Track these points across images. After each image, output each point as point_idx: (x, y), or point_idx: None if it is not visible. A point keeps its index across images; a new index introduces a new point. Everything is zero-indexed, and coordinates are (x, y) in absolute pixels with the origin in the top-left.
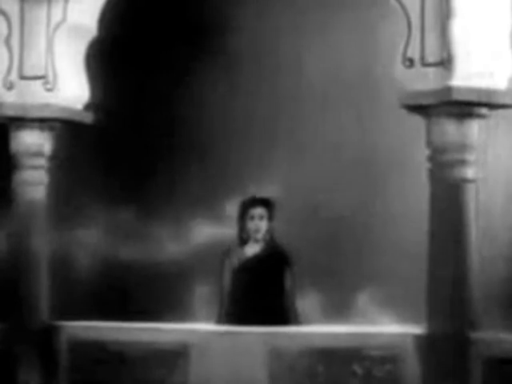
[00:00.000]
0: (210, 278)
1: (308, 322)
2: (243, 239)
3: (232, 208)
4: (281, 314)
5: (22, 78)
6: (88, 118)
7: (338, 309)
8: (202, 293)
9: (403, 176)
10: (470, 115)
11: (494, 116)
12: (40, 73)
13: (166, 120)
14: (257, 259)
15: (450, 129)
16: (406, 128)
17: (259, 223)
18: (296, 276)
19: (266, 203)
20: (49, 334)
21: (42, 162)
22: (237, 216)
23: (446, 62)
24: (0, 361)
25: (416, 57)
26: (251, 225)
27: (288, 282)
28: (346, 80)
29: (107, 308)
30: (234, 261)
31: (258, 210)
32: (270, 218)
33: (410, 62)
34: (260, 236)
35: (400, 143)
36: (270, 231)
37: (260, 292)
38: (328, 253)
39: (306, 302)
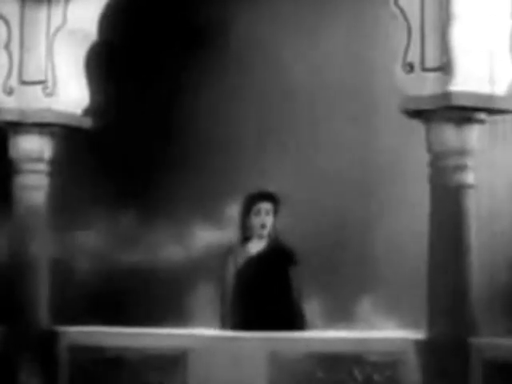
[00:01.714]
0: (210, 283)
1: (309, 327)
2: (246, 236)
3: (231, 212)
4: (287, 311)
5: (22, 83)
6: (87, 123)
7: (339, 314)
8: (203, 297)
9: (403, 181)
10: (470, 120)
11: (495, 121)
12: (40, 78)
13: (165, 124)
14: (262, 257)
15: (449, 134)
16: (406, 133)
17: (266, 218)
18: (301, 273)
19: (271, 198)
20: (48, 338)
21: (42, 166)
22: (240, 211)
23: (445, 67)
24: (0, 365)
25: (416, 62)
26: (257, 220)
27: (294, 279)
28: (346, 84)
29: (107, 313)
30: (238, 259)
31: (265, 205)
32: (276, 213)
33: (409, 67)
34: (266, 232)
35: (400, 148)
36: (274, 227)
37: (266, 290)
38: (328, 258)
39: (307, 307)
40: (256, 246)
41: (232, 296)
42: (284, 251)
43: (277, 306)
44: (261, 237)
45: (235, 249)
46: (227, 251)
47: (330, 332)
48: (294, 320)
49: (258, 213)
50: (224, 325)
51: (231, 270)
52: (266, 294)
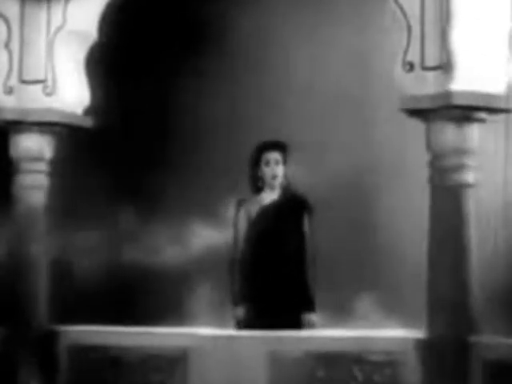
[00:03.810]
0: (209, 282)
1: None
2: (258, 188)
3: (231, 211)
4: (300, 259)
5: (22, 82)
6: (88, 122)
7: (339, 313)
8: (202, 297)
9: (403, 180)
10: (470, 119)
11: (495, 120)
12: (40, 77)
13: (166, 124)
14: (275, 206)
15: (449, 133)
16: (406, 132)
17: (276, 168)
18: (314, 221)
19: (280, 147)
20: (48, 338)
21: (42, 166)
22: (249, 163)
23: (445, 66)
24: (0, 365)
25: (416, 61)
26: (267, 171)
27: (306, 227)
28: (345, 83)
29: (107, 312)
30: (252, 210)
31: (274, 155)
32: (285, 162)
33: (409, 66)
34: (277, 182)
35: (400, 147)
36: (286, 177)
37: (280, 239)
38: (329, 257)
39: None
40: (269, 197)
41: (245, 245)
42: (297, 199)
43: (290, 253)
44: (272, 187)
45: (247, 200)
46: (239, 202)
47: (330, 331)
48: (304, 265)
49: (268, 163)
50: (233, 280)
51: (243, 221)
52: (279, 241)
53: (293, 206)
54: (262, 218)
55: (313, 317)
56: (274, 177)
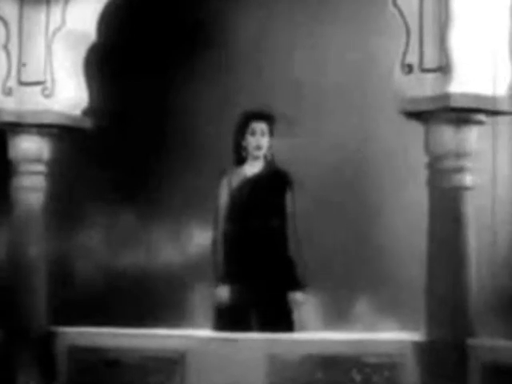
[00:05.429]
0: (209, 284)
1: (307, 328)
2: (241, 158)
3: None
4: (281, 236)
5: (21, 83)
6: (87, 123)
7: (337, 316)
8: (201, 298)
9: (401, 182)
10: (469, 122)
11: (495, 122)
12: (38, 79)
13: (165, 125)
14: (258, 179)
15: (448, 135)
16: (405, 134)
17: (261, 139)
18: (296, 197)
19: (267, 117)
20: (47, 339)
21: (41, 167)
22: (234, 131)
23: (444, 68)
24: None
25: (415, 63)
26: (252, 141)
27: (289, 203)
28: (344, 85)
29: (105, 314)
30: (233, 181)
31: (261, 125)
32: (271, 134)
33: (408, 68)
34: (261, 153)
35: (398, 149)
36: (271, 149)
37: (261, 214)
38: (327, 259)
39: (304, 308)
40: (252, 168)
41: (225, 218)
42: (280, 173)
43: (270, 227)
44: (256, 158)
45: (230, 170)
46: (222, 172)
47: (329, 334)
48: (286, 241)
49: (253, 133)
50: (216, 261)
51: (225, 192)
52: (260, 215)
53: (275, 181)
54: (243, 191)
55: (298, 295)
56: (259, 147)
